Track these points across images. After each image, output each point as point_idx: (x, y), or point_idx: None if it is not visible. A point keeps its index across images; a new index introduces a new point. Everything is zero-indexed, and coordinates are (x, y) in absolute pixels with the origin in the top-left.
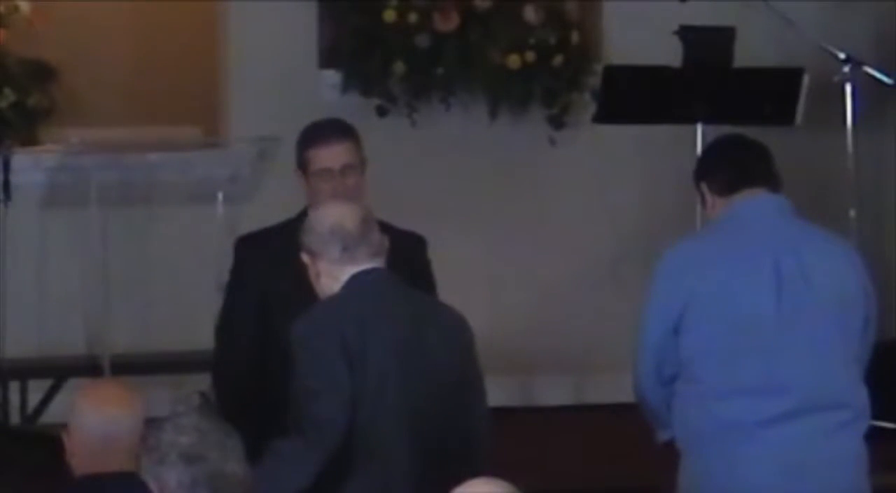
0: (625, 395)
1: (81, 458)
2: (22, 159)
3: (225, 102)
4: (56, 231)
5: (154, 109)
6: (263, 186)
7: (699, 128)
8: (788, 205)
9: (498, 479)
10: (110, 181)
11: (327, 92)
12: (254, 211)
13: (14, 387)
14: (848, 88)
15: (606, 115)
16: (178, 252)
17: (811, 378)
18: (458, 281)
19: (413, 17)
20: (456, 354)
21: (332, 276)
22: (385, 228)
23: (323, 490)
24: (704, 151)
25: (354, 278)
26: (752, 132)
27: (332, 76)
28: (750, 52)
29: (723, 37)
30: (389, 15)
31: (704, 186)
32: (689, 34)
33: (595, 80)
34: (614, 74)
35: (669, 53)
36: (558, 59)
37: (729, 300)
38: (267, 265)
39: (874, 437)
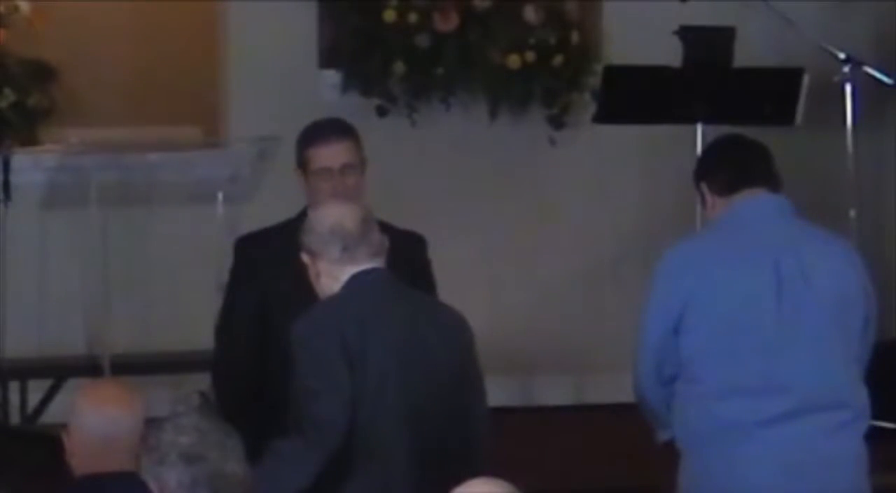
0: (625, 395)
1: (81, 458)
2: (22, 159)
3: (225, 102)
4: (56, 231)
5: (154, 109)
6: (263, 186)
7: (699, 128)
8: (788, 205)
9: (498, 479)
10: (110, 181)
11: (327, 92)
12: (254, 211)
13: (14, 387)
14: (848, 88)
15: (606, 115)
16: (178, 252)
17: (811, 378)
18: (458, 281)
19: (413, 17)
20: (456, 354)
21: (332, 276)
22: (385, 228)
23: (323, 490)
24: (704, 151)
25: (354, 278)
26: (752, 132)
27: (332, 76)
28: (750, 52)
29: (723, 37)
30: (389, 15)
31: (704, 186)
32: (689, 34)
33: (595, 81)
34: (614, 74)
35: (669, 53)
36: (558, 59)
37: (729, 300)
38: (267, 265)
39: (874, 437)
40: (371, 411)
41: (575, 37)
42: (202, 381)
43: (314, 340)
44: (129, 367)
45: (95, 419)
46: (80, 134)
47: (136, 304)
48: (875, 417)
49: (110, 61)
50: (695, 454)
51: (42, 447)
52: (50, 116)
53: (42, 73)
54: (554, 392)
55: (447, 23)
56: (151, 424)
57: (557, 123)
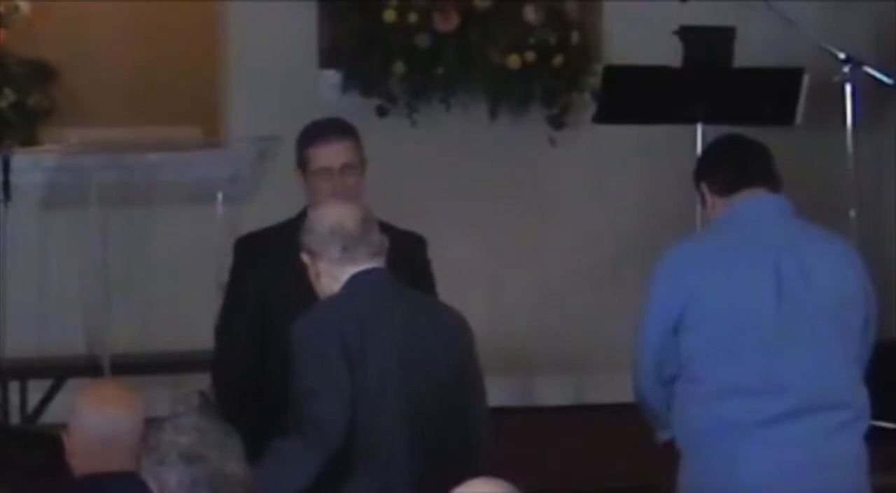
0: (625, 395)
1: (81, 458)
2: (22, 159)
3: (225, 102)
4: (56, 231)
5: (154, 109)
6: (263, 186)
7: (699, 128)
8: (788, 205)
9: (498, 479)
10: (110, 181)
11: (327, 92)
12: (254, 211)
13: (14, 387)
14: (848, 88)
15: (606, 115)
16: (178, 252)
17: (811, 378)
18: (458, 281)
19: (413, 17)
20: (456, 354)
21: (332, 276)
22: (385, 228)
23: (323, 490)
24: (704, 151)
25: (354, 278)
26: (752, 132)
27: (332, 76)
28: (750, 52)
29: (723, 37)
30: (389, 15)
31: (704, 186)
32: (689, 34)
33: (595, 81)
34: (614, 74)
35: (669, 53)
36: (558, 59)
37: (729, 300)
38: (267, 265)
39: (874, 437)
40: (371, 411)
41: (575, 37)
42: (202, 381)
43: (314, 340)
44: (129, 367)
45: (95, 419)
46: (80, 134)
47: (136, 304)
48: (875, 417)
49: (110, 61)
50: (695, 454)
51: (42, 447)
52: (50, 116)
53: (42, 73)
54: (554, 392)
55: (447, 23)
56: (151, 424)
57: (557, 123)
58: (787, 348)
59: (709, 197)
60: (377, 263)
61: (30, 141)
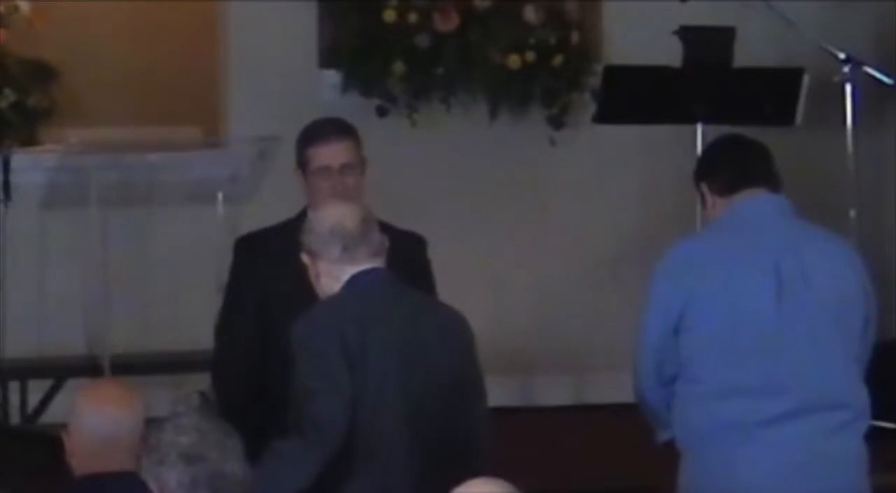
0: (625, 395)
1: (81, 458)
2: (22, 159)
3: (225, 102)
4: (56, 231)
5: (154, 109)
6: (263, 186)
7: (699, 128)
8: (788, 205)
9: (498, 479)
10: (110, 181)
11: (327, 92)
12: (254, 211)
13: (14, 387)
14: (848, 88)
15: (606, 115)
16: (178, 252)
17: (811, 378)
18: (458, 281)
19: (413, 17)
20: (456, 354)
21: (332, 276)
22: (385, 228)
23: (323, 490)
24: (704, 151)
25: (354, 279)
26: (752, 132)
27: (332, 76)
28: (750, 52)
29: (723, 37)
30: (389, 15)
31: (704, 187)
32: (689, 34)
33: (595, 81)
34: (614, 74)
35: (669, 53)
36: (558, 59)
37: (729, 300)
38: (267, 265)
39: (874, 437)
40: (371, 411)
41: (575, 37)
42: (202, 381)
43: (314, 340)
44: (129, 367)
45: (95, 419)
46: (80, 134)
47: (136, 304)
48: (875, 417)
49: (110, 61)
50: (695, 454)
51: (42, 447)
52: (50, 116)
53: (42, 73)
54: (554, 392)
55: (447, 23)
56: (151, 424)
57: (557, 123)
58: (787, 348)
59: (709, 197)
60: (377, 263)
61: (30, 141)
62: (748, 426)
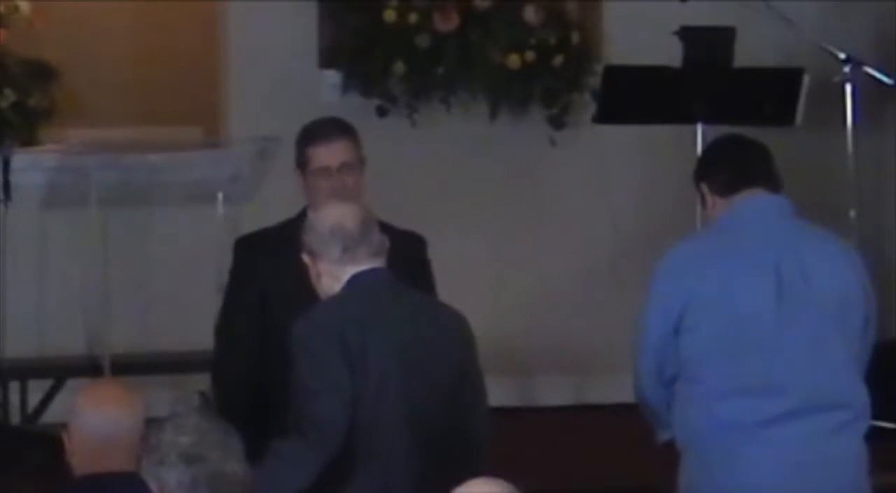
0: (625, 395)
1: (81, 458)
2: (22, 159)
3: (225, 102)
4: (56, 231)
5: (154, 109)
6: (263, 186)
7: (699, 128)
8: (788, 205)
9: (498, 479)
10: (110, 181)
11: (327, 92)
12: (254, 211)
13: (14, 387)
14: (848, 88)
15: (606, 115)
16: (178, 252)
17: (811, 378)
18: (458, 281)
19: (413, 17)
20: (456, 353)
21: (332, 276)
22: (385, 227)
23: (323, 491)
24: (704, 152)
25: (355, 278)
26: (752, 132)
27: (332, 76)
28: (750, 52)
29: (723, 37)
30: (389, 15)
31: (704, 187)
32: (689, 34)
33: (595, 81)
34: (614, 74)
35: (669, 53)
36: (558, 59)
37: (729, 300)
38: (267, 265)
39: (874, 437)
40: (371, 411)
41: (575, 37)
42: (202, 381)
43: (314, 340)
44: (129, 367)
45: (95, 419)
46: (80, 134)
47: (136, 304)
48: (875, 417)
49: (110, 61)
50: (695, 455)
51: (42, 447)
52: (50, 116)
53: (42, 73)
54: (554, 392)
55: (447, 23)
56: (151, 424)
57: (557, 123)
58: (787, 349)
59: (709, 197)
60: (377, 263)
61: (30, 141)
62: (748, 426)
